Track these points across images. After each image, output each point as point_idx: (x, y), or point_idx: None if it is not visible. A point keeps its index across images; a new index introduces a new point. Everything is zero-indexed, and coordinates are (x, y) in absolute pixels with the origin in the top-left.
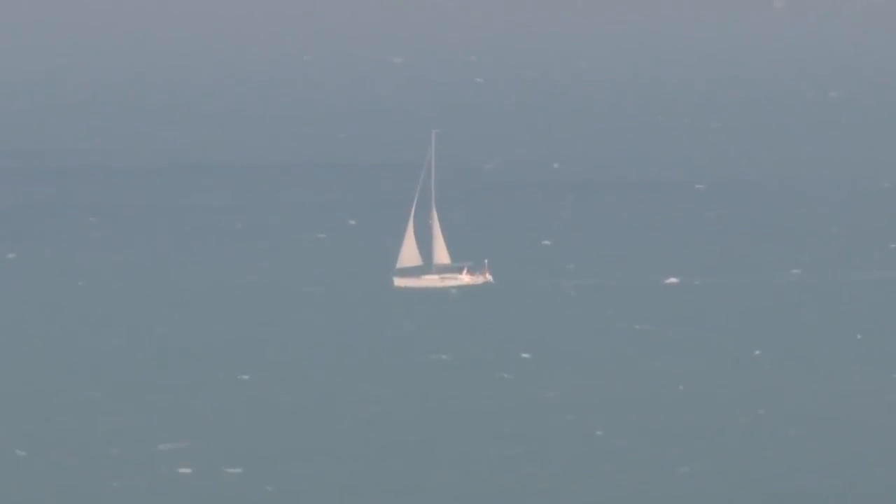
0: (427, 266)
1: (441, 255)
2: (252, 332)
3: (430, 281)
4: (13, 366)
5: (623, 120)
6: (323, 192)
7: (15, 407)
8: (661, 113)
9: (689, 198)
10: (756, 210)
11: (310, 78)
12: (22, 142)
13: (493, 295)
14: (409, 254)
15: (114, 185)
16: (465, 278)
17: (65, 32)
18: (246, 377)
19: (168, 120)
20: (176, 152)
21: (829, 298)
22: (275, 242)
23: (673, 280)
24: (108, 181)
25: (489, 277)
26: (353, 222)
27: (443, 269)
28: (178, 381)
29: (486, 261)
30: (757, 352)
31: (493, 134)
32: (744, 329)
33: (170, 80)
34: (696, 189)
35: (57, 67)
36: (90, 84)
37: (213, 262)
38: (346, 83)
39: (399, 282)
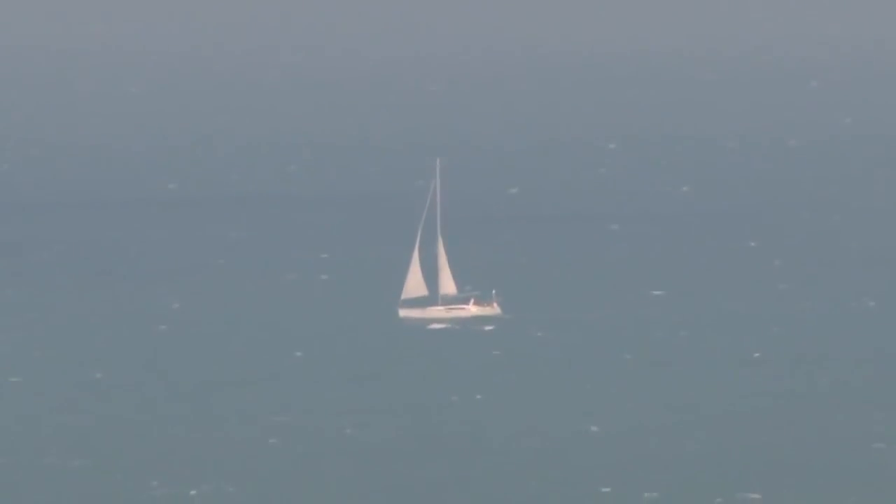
0: (433, 297)
1: (447, 285)
2: (255, 365)
3: (437, 312)
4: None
5: (636, 152)
6: (327, 221)
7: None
8: (677, 140)
9: (700, 228)
10: (786, 241)
11: (325, 105)
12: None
13: (501, 327)
14: (414, 284)
15: (111, 218)
16: (472, 309)
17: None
18: (251, 414)
19: (176, 152)
20: (184, 184)
21: (848, 328)
22: (279, 273)
23: (685, 334)
24: (107, 214)
25: (497, 308)
26: (357, 252)
27: (449, 300)
28: (184, 421)
29: (493, 291)
30: (768, 402)
31: (503, 163)
32: (773, 366)
33: (179, 110)
34: (712, 218)
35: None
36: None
37: (216, 296)
38: (369, 111)
39: (404, 313)
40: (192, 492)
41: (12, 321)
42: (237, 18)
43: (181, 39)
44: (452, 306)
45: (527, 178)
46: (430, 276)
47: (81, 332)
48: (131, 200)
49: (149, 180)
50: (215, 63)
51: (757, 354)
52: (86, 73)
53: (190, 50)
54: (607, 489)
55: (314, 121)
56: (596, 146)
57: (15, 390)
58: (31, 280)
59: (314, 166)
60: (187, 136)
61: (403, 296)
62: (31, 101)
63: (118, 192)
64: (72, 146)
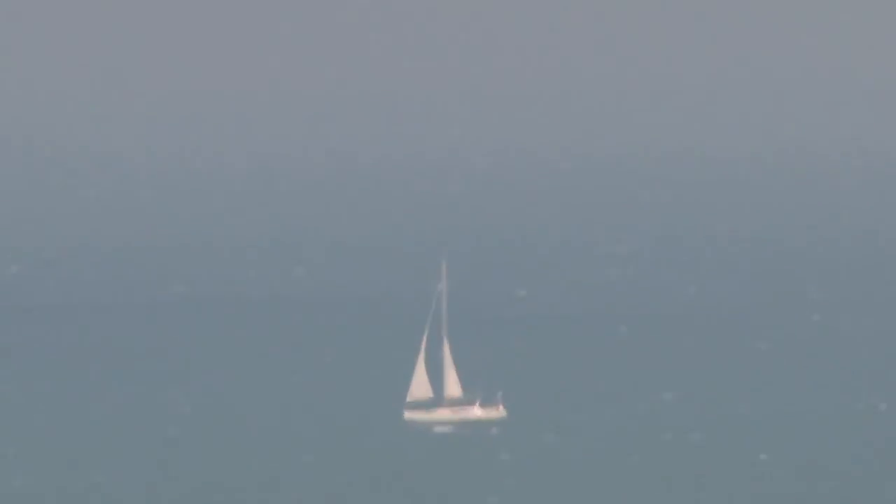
0: (438, 399)
1: (452, 387)
2: (263, 469)
3: (442, 414)
4: None
5: (644, 253)
6: (333, 323)
7: None
8: (685, 242)
9: (708, 329)
10: (795, 343)
11: (331, 204)
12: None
13: (507, 430)
14: (419, 386)
15: (121, 320)
16: (477, 412)
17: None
18: None
19: (183, 253)
20: (191, 286)
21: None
22: (285, 376)
23: (694, 437)
24: (117, 316)
25: (503, 411)
26: (362, 354)
27: (454, 402)
28: None
29: (499, 393)
30: None
31: (511, 265)
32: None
33: (187, 212)
34: (705, 323)
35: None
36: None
37: (224, 399)
38: (375, 211)
39: (409, 415)
40: None
41: (19, 423)
42: (244, 122)
43: (189, 143)
44: (458, 408)
45: (534, 280)
46: (436, 377)
47: (89, 435)
48: (140, 302)
49: (157, 282)
50: (223, 166)
51: (765, 457)
52: (96, 174)
53: (198, 152)
54: None
55: (321, 222)
56: (604, 248)
57: (18, 495)
58: (40, 382)
59: (321, 268)
60: (194, 238)
61: (409, 398)
62: (42, 202)
63: (127, 293)
64: (83, 248)
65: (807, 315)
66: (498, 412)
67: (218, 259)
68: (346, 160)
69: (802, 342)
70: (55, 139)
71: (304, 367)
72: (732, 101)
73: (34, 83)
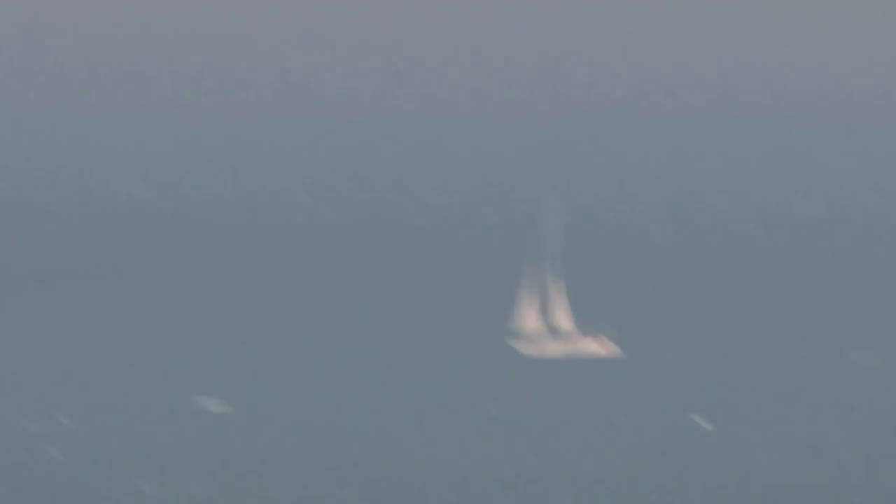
0: (549, 332)
1: (561, 319)
2: (370, 399)
3: (552, 348)
4: None
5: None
6: (442, 253)
7: None
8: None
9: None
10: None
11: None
12: None
13: (617, 369)
14: (529, 318)
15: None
16: (589, 346)
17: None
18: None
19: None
20: (305, 214)
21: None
22: (396, 304)
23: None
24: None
25: (613, 345)
26: (470, 284)
27: (565, 336)
28: None
29: (608, 329)
30: None
31: (629, 198)
32: None
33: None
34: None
35: None
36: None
37: (336, 325)
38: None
39: (518, 346)
40: None
41: None
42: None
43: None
44: (569, 342)
45: (646, 215)
46: (546, 310)
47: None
48: (260, 222)
49: (279, 205)
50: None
51: None
52: None
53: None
54: None
55: (434, 156)
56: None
57: None
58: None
59: (432, 200)
60: (314, 170)
61: (517, 329)
62: None
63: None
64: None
65: None
66: (609, 347)
67: (335, 192)
68: (457, 98)
69: None
70: None
71: (417, 297)
72: None
73: None
